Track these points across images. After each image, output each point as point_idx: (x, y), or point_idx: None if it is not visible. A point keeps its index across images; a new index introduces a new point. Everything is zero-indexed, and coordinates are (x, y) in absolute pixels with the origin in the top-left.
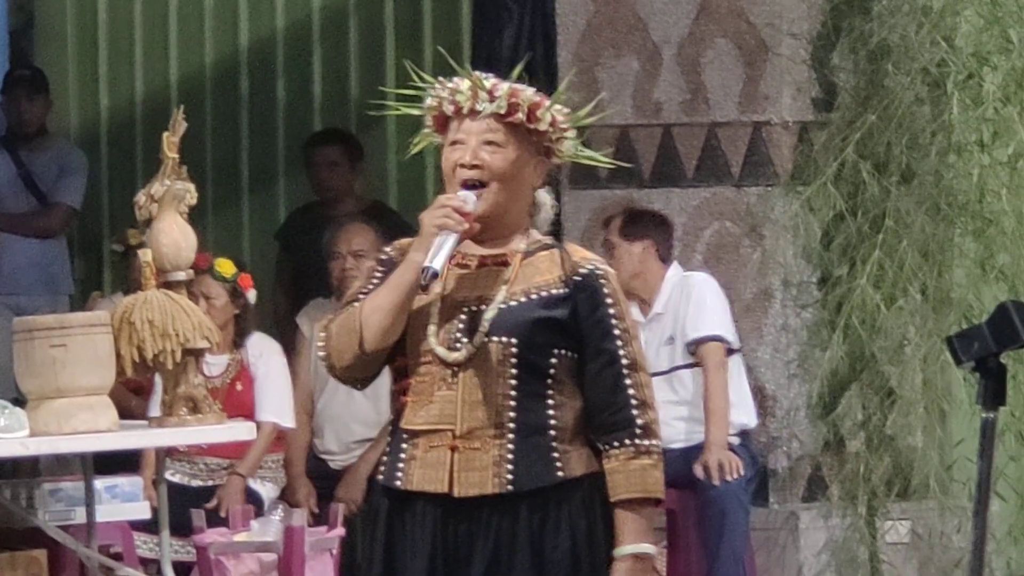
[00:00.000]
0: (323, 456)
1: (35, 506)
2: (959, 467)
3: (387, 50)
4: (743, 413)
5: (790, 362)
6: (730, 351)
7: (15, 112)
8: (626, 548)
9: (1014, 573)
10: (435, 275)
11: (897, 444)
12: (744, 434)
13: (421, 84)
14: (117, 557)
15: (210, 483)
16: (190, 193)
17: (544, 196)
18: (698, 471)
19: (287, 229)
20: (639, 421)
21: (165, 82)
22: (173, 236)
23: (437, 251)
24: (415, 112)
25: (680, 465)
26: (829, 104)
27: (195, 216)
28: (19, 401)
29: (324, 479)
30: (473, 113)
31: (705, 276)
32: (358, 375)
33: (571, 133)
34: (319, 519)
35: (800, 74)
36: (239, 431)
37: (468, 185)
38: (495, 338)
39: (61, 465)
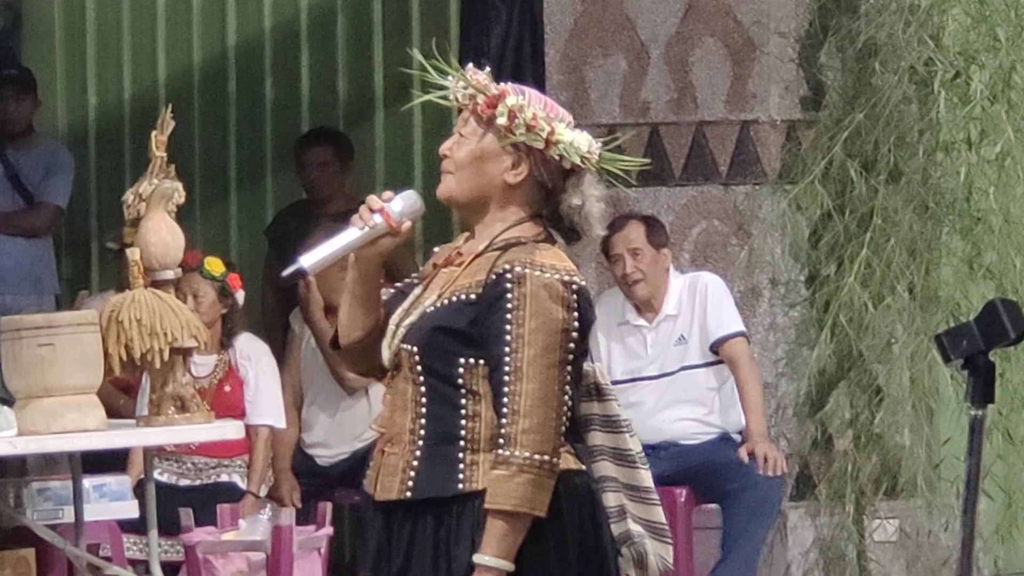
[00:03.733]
0: (310, 452)
1: (23, 505)
2: (946, 465)
3: (375, 49)
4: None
5: (778, 360)
6: None
7: (2, 112)
8: (476, 557)
9: (1001, 571)
10: (300, 271)
11: (885, 442)
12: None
13: (445, 69)
14: (106, 559)
15: (198, 483)
16: (178, 192)
17: (576, 200)
18: (743, 455)
19: (276, 227)
20: (503, 431)
21: (153, 81)
22: (161, 235)
23: (327, 248)
24: (440, 100)
25: (684, 462)
26: (817, 103)
27: (183, 215)
28: (7, 400)
29: (311, 476)
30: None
31: (713, 276)
32: (351, 369)
33: (558, 132)
34: (303, 515)
35: (788, 73)
36: (227, 430)
37: (445, 173)
38: (404, 345)
39: (49, 464)
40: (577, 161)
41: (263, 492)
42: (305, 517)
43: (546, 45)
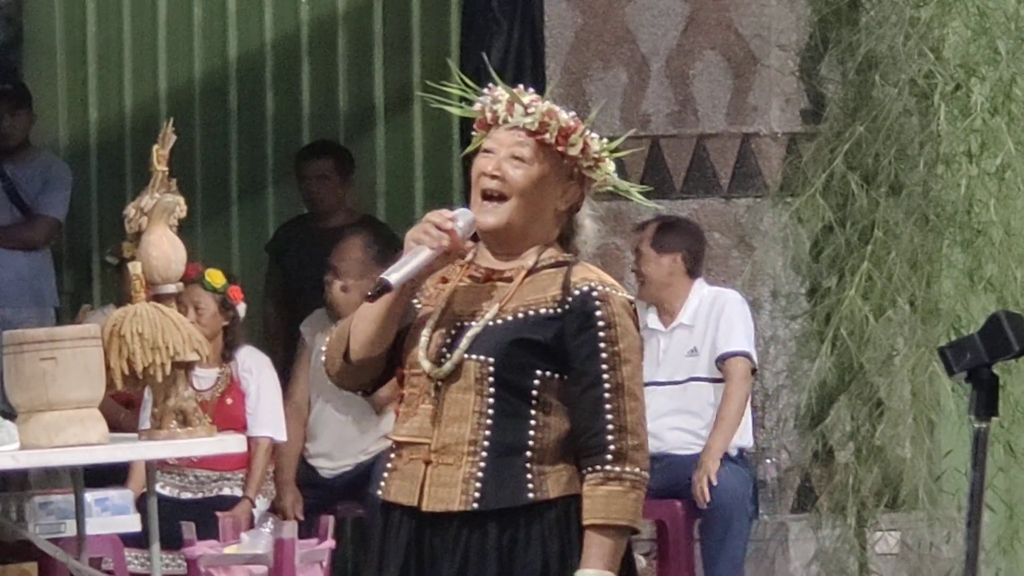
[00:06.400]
0: (314, 463)
1: (25, 519)
2: (948, 478)
3: (375, 63)
4: (743, 434)
5: (779, 373)
6: (751, 371)
7: None
8: (581, 572)
9: None
10: (386, 287)
11: (886, 455)
12: (740, 450)
13: (463, 86)
14: (108, 573)
15: (200, 496)
16: (180, 205)
17: (585, 219)
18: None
19: (277, 241)
20: (612, 447)
21: (154, 95)
22: (163, 249)
23: (403, 264)
24: (465, 114)
25: (677, 473)
26: (817, 115)
27: (185, 228)
28: (9, 414)
29: (314, 487)
30: (508, 125)
31: (736, 294)
32: (348, 383)
33: (608, 163)
34: (305, 528)
35: (788, 85)
36: (229, 444)
37: (487, 196)
38: (473, 356)
39: (51, 478)
40: (614, 188)
41: (266, 505)
42: (307, 530)
43: (547, 58)
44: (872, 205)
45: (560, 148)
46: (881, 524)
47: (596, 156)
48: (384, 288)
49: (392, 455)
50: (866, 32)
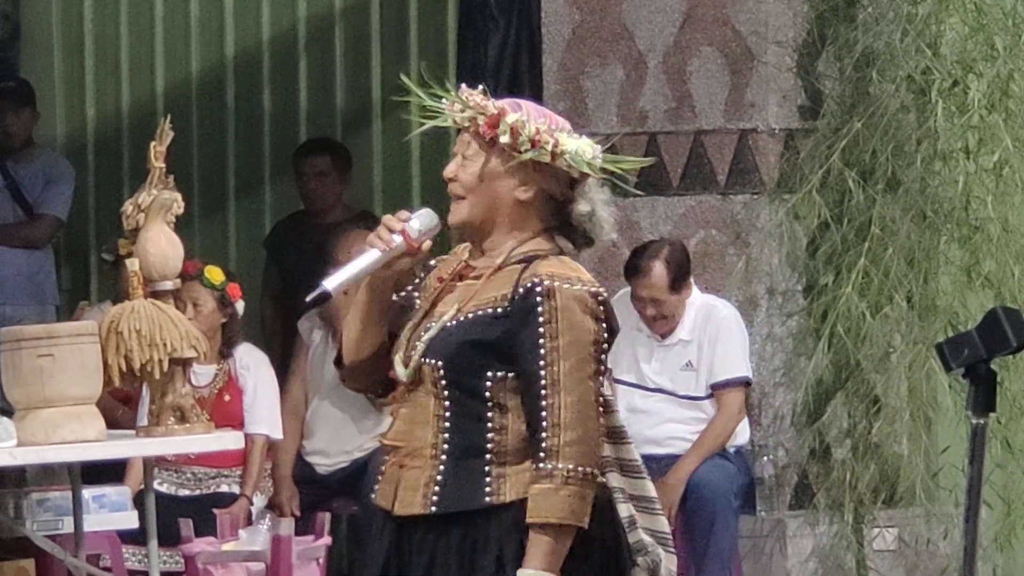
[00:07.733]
0: (310, 460)
1: (23, 516)
2: (945, 474)
3: (373, 60)
4: (739, 435)
5: (776, 370)
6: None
7: (1, 124)
8: (521, 571)
9: None
10: (324, 294)
11: (883, 452)
12: (738, 448)
13: (440, 93)
14: (106, 570)
15: (198, 492)
16: (177, 202)
17: (585, 207)
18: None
19: (274, 237)
20: (544, 444)
21: (151, 92)
22: (160, 246)
23: (348, 269)
24: (440, 124)
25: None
26: (815, 112)
27: (182, 225)
28: (6, 411)
29: (310, 484)
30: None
31: (730, 309)
32: (351, 386)
33: (562, 143)
34: (302, 524)
35: (786, 82)
36: (227, 440)
37: (454, 198)
38: (427, 360)
39: (48, 475)
40: (584, 168)
41: (263, 502)
42: (303, 527)
43: (544, 55)
44: (869, 202)
45: (488, 137)
46: (878, 521)
47: (533, 139)
48: (322, 294)
49: (384, 458)
50: (863, 28)
